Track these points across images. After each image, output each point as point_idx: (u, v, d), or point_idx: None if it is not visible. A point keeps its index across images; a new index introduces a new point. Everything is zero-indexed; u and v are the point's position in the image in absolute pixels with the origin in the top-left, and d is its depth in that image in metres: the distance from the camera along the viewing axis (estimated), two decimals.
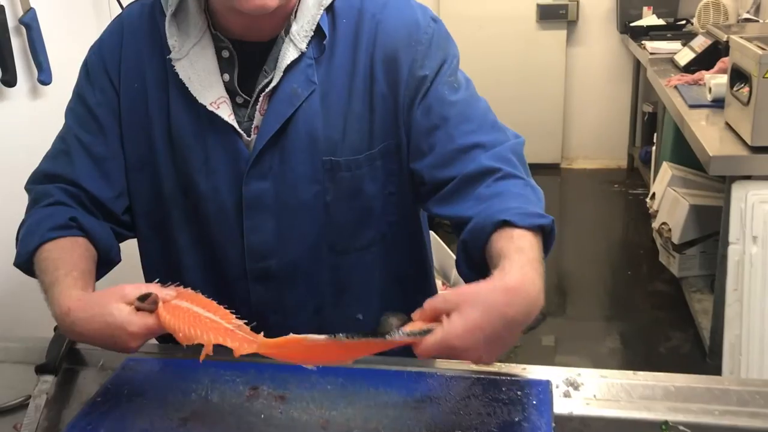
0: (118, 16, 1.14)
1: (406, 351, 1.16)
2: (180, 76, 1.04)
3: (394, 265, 1.16)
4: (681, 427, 0.91)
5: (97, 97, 1.10)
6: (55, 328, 1.16)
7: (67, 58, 1.67)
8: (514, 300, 0.79)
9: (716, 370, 2.15)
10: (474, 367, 1.01)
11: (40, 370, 1.07)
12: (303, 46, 1.03)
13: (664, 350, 2.78)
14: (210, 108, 1.04)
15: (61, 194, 1.09)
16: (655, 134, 3.66)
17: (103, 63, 1.10)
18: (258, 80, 1.06)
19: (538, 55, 4.57)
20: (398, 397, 0.95)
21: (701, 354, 2.54)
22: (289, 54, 1.03)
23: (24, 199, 1.56)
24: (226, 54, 1.06)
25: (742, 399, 0.94)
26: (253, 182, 1.06)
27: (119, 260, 1.13)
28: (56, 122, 1.66)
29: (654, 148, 3.64)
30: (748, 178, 2.04)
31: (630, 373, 1.00)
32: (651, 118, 4.27)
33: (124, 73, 1.09)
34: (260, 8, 0.97)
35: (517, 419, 0.90)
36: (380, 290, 1.16)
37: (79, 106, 1.12)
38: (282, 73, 1.03)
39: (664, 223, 2.92)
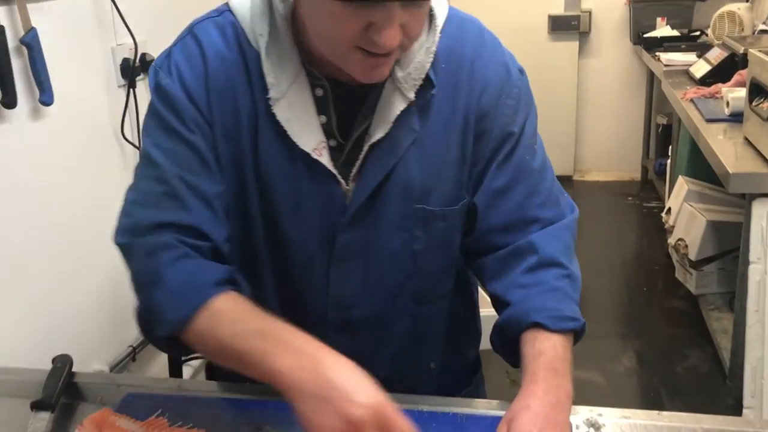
0: (186, 37, 0.98)
1: (404, 383, 1.14)
2: (278, 117, 0.94)
3: (459, 312, 1.14)
4: None
5: (191, 131, 0.95)
6: (53, 360, 1.12)
7: (70, 79, 1.64)
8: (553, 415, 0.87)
9: (737, 394, 2.09)
10: (493, 408, 0.97)
11: (36, 406, 1.02)
12: (411, 95, 0.95)
13: (682, 370, 2.71)
14: (313, 155, 0.95)
15: (182, 246, 0.92)
16: (670, 148, 3.60)
17: (188, 93, 0.95)
18: (354, 124, 0.97)
19: (550, 66, 4.52)
20: None
21: (720, 374, 2.47)
22: (396, 103, 0.95)
23: (24, 221, 1.53)
24: (320, 93, 0.96)
25: None
26: (349, 232, 0.99)
27: None
28: (59, 143, 1.64)
29: (669, 161, 3.58)
30: None
31: (655, 413, 0.95)
32: (665, 130, 4.21)
33: (216, 105, 0.95)
34: (377, 80, 0.91)
35: None
36: (446, 337, 1.14)
37: (173, 142, 0.95)
38: (391, 124, 0.95)
39: (680, 239, 2.86)
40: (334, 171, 0.97)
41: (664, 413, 0.95)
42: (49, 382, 1.06)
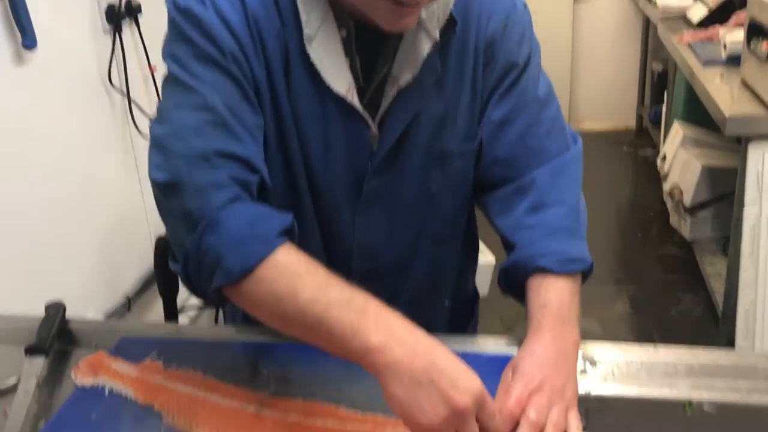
0: None
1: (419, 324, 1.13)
2: (312, 58, 0.89)
3: (468, 249, 1.15)
4: (706, 407, 0.86)
5: (230, 62, 0.87)
6: (46, 307, 1.12)
7: (54, 25, 1.60)
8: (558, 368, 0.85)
9: (729, 336, 2.11)
10: (486, 346, 0.96)
11: (30, 351, 1.02)
12: (436, 34, 0.92)
13: (676, 314, 2.73)
14: (347, 98, 0.91)
15: (234, 185, 0.84)
16: (666, 94, 3.57)
17: (226, 24, 0.87)
18: (376, 67, 0.94)
19: (544, 12, 4.44)
20: None
21: (713, 318, 2.49)
22: (422, 44, 0.92)
23: (11, 169, 1.51)
24: (344, 34, 0.91)
25: None
26: (375, 178, 0.97)
27: None
28: (44, 90, 1.61)
29: (664, 108, 3.55)
30: (765, 138, 1.96)
31: (650, 347, 0.95)
32: (661, 78, 4.16)
33: (253, 40, 0.89)
34: (403, 29, 0.88)
35: None
36: (458, 275, 1.14)
37: (211, 72, 0.86)
38: (419, 67, 0.92)
39: (675, 185, 2.85)
40: (366, 115, 0.94)
41: (660, 348, 0.95)
42: (43, 328, 1.05)
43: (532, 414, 0.79)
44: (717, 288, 2.48)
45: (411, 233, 1.03)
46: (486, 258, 2.40)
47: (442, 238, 1.07)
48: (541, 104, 1.01)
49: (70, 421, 0.88)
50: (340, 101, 0.92)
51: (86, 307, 1.72)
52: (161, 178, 0.85)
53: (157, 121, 0.89)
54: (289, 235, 0.83)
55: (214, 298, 0.84)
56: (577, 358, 0.89)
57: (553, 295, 0.91)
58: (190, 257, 0.82)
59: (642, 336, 2.67)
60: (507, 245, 0.99)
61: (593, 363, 0.93)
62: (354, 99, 0.92)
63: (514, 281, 0.97)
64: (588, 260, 0.95)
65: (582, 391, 0.89)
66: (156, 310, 1.97)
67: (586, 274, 0.96)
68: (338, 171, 0.96)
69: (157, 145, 0.87)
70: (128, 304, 1.86)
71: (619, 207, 3.74)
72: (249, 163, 0.86)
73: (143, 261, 1.78)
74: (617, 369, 0.92)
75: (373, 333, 0.73)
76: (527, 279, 0.94)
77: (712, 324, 2.49)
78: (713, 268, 2.62)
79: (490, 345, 0.99)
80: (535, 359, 0.85)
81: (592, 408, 0.88)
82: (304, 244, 0.96)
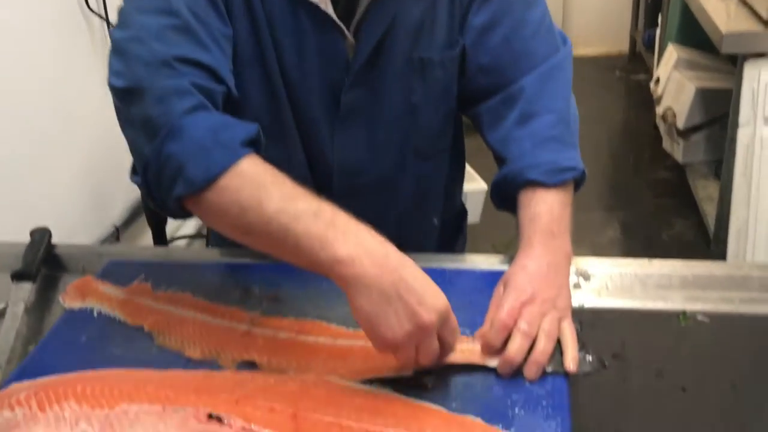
0: None
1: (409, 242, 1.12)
2: None
3: (455, 164, 1.12)
4: (699, 317, 0.86)
5: None
6: (31, 233, 1.10)
7: None
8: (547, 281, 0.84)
9: (721, 257, 2.12)
10: (477, 263, 0.95)
11: (17, 276, 1.00)
12: None
13: (667, 238, 2.74)
14: (321, 5, 0.88)
15: (197, 92, 0.80)
16: (660, 16, 3.49)
17: None
18: None
19: None
20: None
21: (705, 242, 2.50)
22: None
23: None
24: None
25: (764, 285, 0.88)
26: (353, 91, 0.93)
27: None
28: (19, 11, 1.55)
29: (658, 30, 3.47)
30: (761, 56, 1.93)
31: (645, 261, 0.94)
32: (655, 0, 4.07)
33: None
34: None
35: None
36: (446, 192, 1.12)
37: None
38: None
39: (668, 108, 2.82)
40: (340, 23, 0.90)
41: (654, 261, 0.94)
42: (29, 253, 1.04)
43: (523, 324, 0.78)
44: (709, 211, 2.48)
45: (394, 149, 1.00)
46: (478, 185, 2.39)
47: (427, 153, 1.03)
48: (526, 4, 0.96)
49: (60, 343, 0.87)
50: (313, 9, 0.88)
51: (74, 237, 1.70)
52: (120, 84, 0.81)
53: (118, 26, 0.85)
54: (254, 145, 0.80)
55: (174, 209, 0.80)
56: (569, 270, 0.88)
57: (543, 208, 0.89)
58: (150, 166, 0.79)
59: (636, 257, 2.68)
60: (498, 159, 0.97)
61: (587, 277, 0.92)
62: (328, 6, 0.89)
63: (506, 195, 0.95)
64: (579, 167, 0.92)
65: (576, 304, 0.88)
66: (145, 240, 1.96)
67: (579, 183, 0.94)
68: (315, 83, 0.93)
69: (117, 50, 0.83)
70: (117, 234, 1.84)
71: (611, 133, 3.71)
72: (214, 71, 0.82)
73: (131, 190, 1.75)
74: (611, 282, 0.92)
75: (342, 245, 0.71)
76: (518, 193, 0.92)
77: (704, 247, 2.50)
78: (705, 192, 2.62)
79: (482, 263, 0.98)
80: (526, 273, 0.84)
81: (585, 321, 0.88)
82: (286, 160, 0.95)
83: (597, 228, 2.85)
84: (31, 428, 0.70)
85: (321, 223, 0.72)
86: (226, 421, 0.67)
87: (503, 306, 0.81)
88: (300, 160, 0.98)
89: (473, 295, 0.88)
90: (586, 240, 2.75)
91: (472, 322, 0.83)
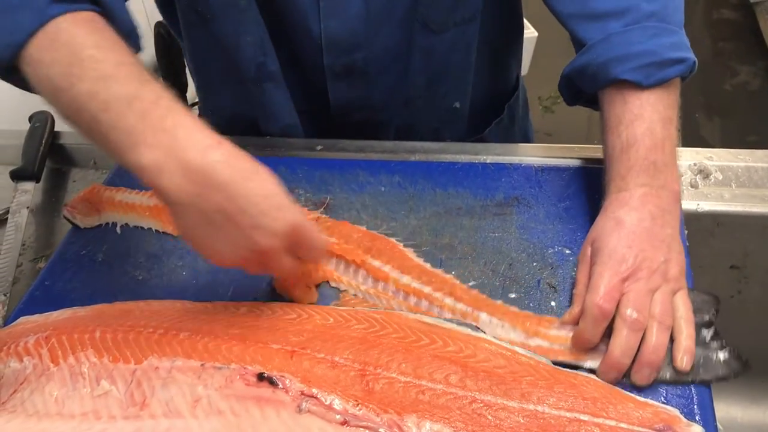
0: None
1: (466, 131, 0.94)
2: None
3: (491, 41, 0.88)
4: None
5: None
6: (30, 119, 0.93)
7: None
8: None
9: None
10: (571, 156, 0.78)
11: (18, 175, 0.85)
12: None
13: (730, 87, 2.50)
14: None
15: None
16: None
17: None
18: None
19: None
20: (474, 200, 0.73)
21: None
22: None
23: None
24: None
25: None
26: None
27: (141, 49, 0.71)
28: None
29: None
30: None
31: None
32: None
33: None
34: None
35: None
36: (475, 72, 0.89)
37: None
38: None
39: None
40: None
41: None
42: (29, 146, 0.88)
43: (628, 311, 0.58)
44: None
45: (395, 20, 0.80)
46: (527, 32, 2.15)
47: (440, 25, 0.82)
48: None
49: (73, 262, 0.73)
50: None
51: None
52: None
53: None
54: (73, 1, 0.60)
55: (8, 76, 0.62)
56: (679, 215, 0.64)
57: (640, 128, 0.65)
58: None
59: (689, 112, 2.47)
60: (573, 40, 0.73)
61: (706, 174, 0.75)
62: None
63: (581, 93, 0.74)
64: (689, 58, 0.67)
65: (691, 207, 0.72)
66: None
67: (685, 78, 0.70)
68: None
69: None
70: None
71: None
72: None
73: (142, 53, 1.56)
74: (736, 180, 0.75)
75: (149, 147, 0.53)
76: (601, 93, 0.70)
77: None
78: None
79: (524, 155, 0.80)
80: (624, 231, 0.62)
81: (703, 228, 0.72)
82: (237, 39, 0.79)
83: None
84: (44, 385, 0.57)
85: (133, 114, 0.54)
86: (280, 384, 0.54)
87: (598, 284, 0.59)
88: (260, 34, 0.79)
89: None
90: None
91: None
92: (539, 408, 0.53)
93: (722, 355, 0.57)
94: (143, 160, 0.53)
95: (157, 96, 0.55)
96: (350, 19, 0.78)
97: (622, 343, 0.56)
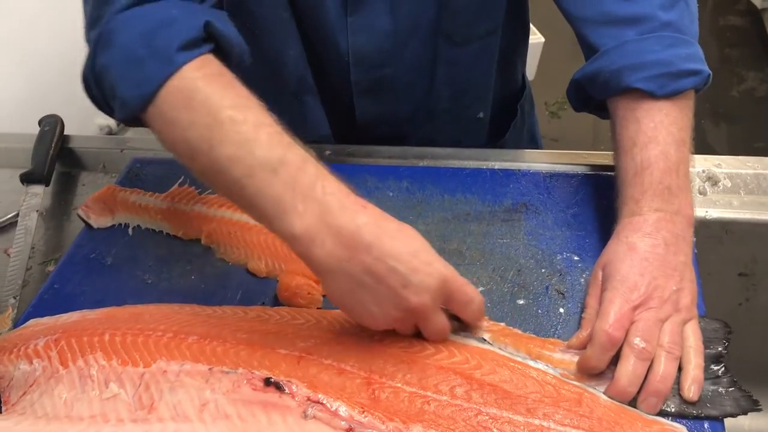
0: None
1: (486, 138, 0.93)
2: None
3: (504, 48, 0.88)
4: None
5: None
6: (40, 122, 0.94)
7: None
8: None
9: None
10: (580, 162, 0.78)
11: (28, 178, 0.86)
12: None
13: (737, 94, 2.50)
14: None
15: None
16: None
17: None
18: None
19: None
20: (483, 206, 0.73)
21: None
22: None
23: None
24: None
25: None
26: None
27: (249, 62, 0.70)
28: None
29: None
30: None
31: None
32: None
33: None
34: None
35: None
36: (498, 79, 0.90)
37: None
38: None
39: None
40: None
41: None
42: (39, 149, 0.89)
43: (636, 340, 0.57)
44: None
45: (421, 34, 0.80)
46: (534, 37, 2.15)
47: (463, 38, 0.82)
48: None
49: (83, 266, 0.73)
50: None
51: (87, 122, 1.54)
52: None
53: None
54: (207, 41, 0.61)
55: (133, 123, 0.62)
56: (692, 242, 0.63)
57: (654, 151, 0.63)
58: (88, 80, 0.63)
59: (695, 119, 2.47)
60: (584, 45, 0.72)
61: (715, 181, 0.75)
62: None
63: (590, 100, 0.73)
64: (704, 70, 0.67)
65: (700, 214, 0.72)
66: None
67: (699, 90, 0.68)
68: None
69: None
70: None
71: None
72: None
73: None
74: (745, 187, 0.75)
75: (299, 216, 0.54)
76: (613, 103, 0.69)
77: None
78: None
79: (533, 161, 0.80)
80: (635, 257, 0.61)
81: (712, 236, 0.72)
82: (281, 53, 0.79)
83: None
84: (53, 388, 0.58)
85: (280, 182, 0.54)
86: (287, 390, 0.54)
87: (608, 311, 0.58)
88: (298, 52, 0.80)
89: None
90: None
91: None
92: (545, 423, 0.53)
93: (732, 391, 0.57)
94: (295, 230, 0.54)
95: (302, 161, 0.55)
96: (378, 35, 0.78)
97: (629, 371, 0.56)
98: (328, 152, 0.84)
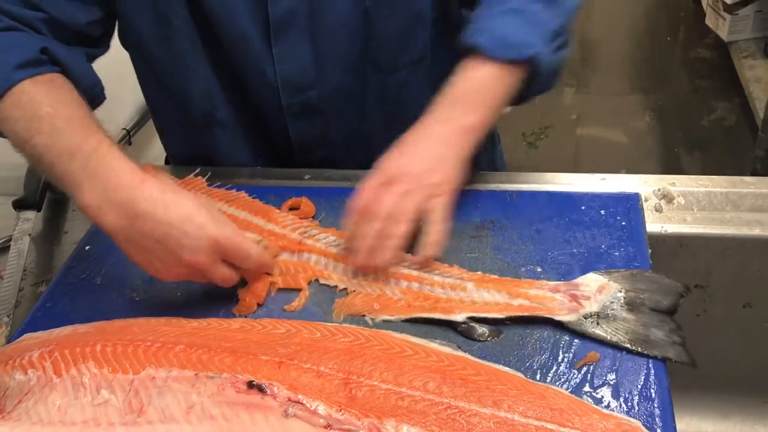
0: None
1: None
2: None
3: (443, 77, 0.91)
4: None
5: None
6: None
7: None
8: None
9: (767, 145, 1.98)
10: (545, 182, 0.83)
11: (20, 205, 0.90)
12: None
13: (707, 123, 2.58)
14: None
15: (19, 9, 0.78)
16: None
17: None
18: None
19: None
20: (453, 224, 0.78)
21: (749, 126, 2.34)
22: None
23: None
24: None
25: None
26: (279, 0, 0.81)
27: (104, 99, 0.85)
28: None
29: None
30: None
31: (737, 179, 0.82)
32: None
33: None
34: None
35: (603, 246, 0.73)
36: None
37: None
38: None
39: None
40: None
41: (747, 179, 0.82)
42: (30, 177, 0.93)
43: (377, 206, 0.70)
44: (756, 93, 2.31)
45: (347, 62, 0.86)
46: None
47: (390, 66, 0.88)
48: None
49: (74, 285, 0.77)
50: None
51: None
52: None
53: None
54: (35, 66, 0.74)
55: None
56: (466, 145, 0.73)
57: (463, 76, 0.75)
58: None
59: (669, 147, 2.55)
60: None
61: (670, 199, 0.80)
62: None
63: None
64: (528, 51, 0.74)
65: (656, 230, 0.77)
66: (160, 144, 1.83)
67: (536, 76, 0.76)
68: None
69: None
70: (128, 137, 1.72)
71: (647, 6, 3.45)
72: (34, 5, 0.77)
73: (137, 91, 1.61)
74: (698, 204, 0.80)
75: (87, 191, 0.67)
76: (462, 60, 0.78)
77: (747, 133, 2.35)
78: (752, 72, 2.43)
79: (486, 183, 0.85)
80: (399, 148, 0.73)
81: (668, 251, 0.77)
82: (185, 90, 0.88)
83: (632, 111, 2.69)
84: (47, 396, 0.61)
85: (75, 164, 0.68)
86: (268, 392, 0.58)
87: (360, 190, 0.71)
88: (228, 81, 0.88)
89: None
90: (620, 124, 2.60)
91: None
92: (509, 415, 0.57)
93: (676, 345, 0.63)
94: (84, 201, 0.67)
95: (94, 147, 0.68)
96: (300, 61, 0.85)
97: (363, 230, 0.70)
98: (307, 176, 0.89)
